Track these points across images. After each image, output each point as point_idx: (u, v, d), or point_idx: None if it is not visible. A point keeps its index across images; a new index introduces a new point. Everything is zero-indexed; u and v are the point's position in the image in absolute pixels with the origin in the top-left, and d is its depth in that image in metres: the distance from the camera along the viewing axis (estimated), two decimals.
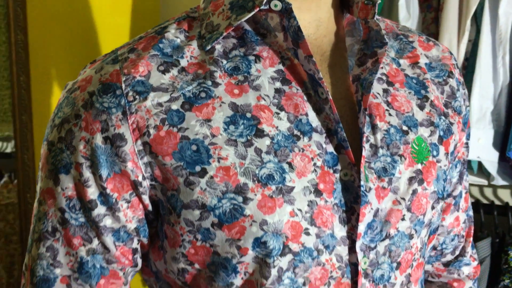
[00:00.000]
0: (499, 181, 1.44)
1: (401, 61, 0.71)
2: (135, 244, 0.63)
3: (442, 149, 0.69)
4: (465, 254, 0.84)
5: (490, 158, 1.42)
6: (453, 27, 1.42)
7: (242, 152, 0.59)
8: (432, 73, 0.72)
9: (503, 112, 1.43)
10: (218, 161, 0.58)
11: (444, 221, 0.80)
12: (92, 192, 0.60)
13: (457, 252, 0.84)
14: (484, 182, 1.50)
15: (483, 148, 1.40)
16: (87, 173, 0.59)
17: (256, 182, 0.58)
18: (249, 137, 0.59)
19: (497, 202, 1.61)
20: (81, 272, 0.62)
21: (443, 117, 0.70)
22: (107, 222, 0.61)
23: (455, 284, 0.84)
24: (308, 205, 0.59)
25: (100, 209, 0.60)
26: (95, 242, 0.61)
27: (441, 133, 0.69)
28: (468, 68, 1.45)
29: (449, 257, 0.84)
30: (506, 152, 1.39)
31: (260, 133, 0.60)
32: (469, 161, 1.47)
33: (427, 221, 0.67)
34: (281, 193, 0.59)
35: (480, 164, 1.49)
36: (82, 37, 1.71)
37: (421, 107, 0.68)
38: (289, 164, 0.59)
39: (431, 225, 0.69)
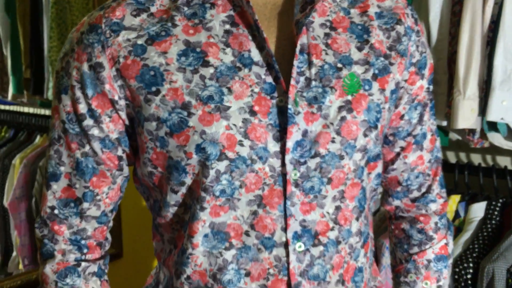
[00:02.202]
0: None
1: (352, 10, 0.81)
2: (120, 152, 0.79)
3: (376, 85, 0.79)
4: (431, 191, 0.94)
5: None
6: None
7: (189, 77, 0.73)
8: (381, 20, 0.82)
9: None
10: (169, 84, 0.73)
11: (407, 158, 0.90)
12: (82, 108, 0.76)
13: (423, 190, 0.93)
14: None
15: (507, 110, 1.42)
16: (79, 93, 0.76)
17: (199, 100, 0.72)
18: (196, 66, 0.73)
19: None
20: (78, 170, 0.78)
21: (381, 58, 0.80)
22: (95, 132, 0.77)
23: (421, 218, 0.95)
24: (243, 122, 0.72)
25: (89, 121, 0.76)
26: (87, 147, 0.77)
27: (376, 71, 0.79)
28: (495, 30, 1.46)
29: (415, 194, 0.94)
30: None
31: (206, 64, 0.73)
32: (495, 123, 1.48)
33: (360, 146, 0.77)
34: (218, 111, 0.72)
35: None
36: None
37: (360, 49, 0.79)
38: (228, 88, 0.73)
39: (367, 151, 0.78)
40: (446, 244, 0.96)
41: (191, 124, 0.71)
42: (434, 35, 1.56)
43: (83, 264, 0.81)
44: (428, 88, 0.88)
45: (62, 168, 0.78)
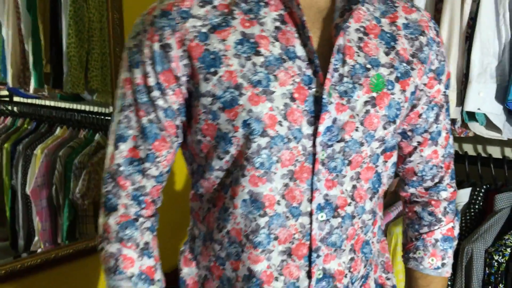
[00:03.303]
0: (508, 134, 1.51)
1: (383, 19, 0.91)
2: (178, 122, 0.89)
3: (397, 86, 0.89)
4: (443, 182, 1.04)
5: (493, 111, 1.48)
6: None
7: (242, 63, 0.82)
8: (407, 30, 0.93)
9: (507, 67, 1.47)
10: (226, 67, 0.82)
11: (423, 152, 1.01)
12: (151, 81, 0.86)
13: (436, 180, 1.03)
14: (497, 135, 1.55)
15: (484, 101, 1.46)
16: (149, 68, 0.85)
17: (249, 83, 0.82)
18: (249, 54, 0.83)
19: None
20: (143, 134, 0.88)
21: (404, 63, 0.90)
22: (160, 102, 0.87)
23: (433, 202, 1.05)
24: (284, 106, 0.82)
25: (156, 93, 0.86)
26: (153, 115, 0.87)
27: (399, 75, 0.89)
28: (473, 27, 1.50)
29: (429, 183, 1.04)
30: (505, 103, 1.45)
31: (257, 53, 0.83)
32: (474, 114, 1.53)
33: (378, 136, 0.88)
34: (265, 94, 0.82)
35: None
36: None
37: (387, 54, 0.89)
38: (275, 76, 0.82)
39: (385, 142, 0.90)
40: (453, 227, 1.05)
41: (241, 102, 0.82)
42: None
43: (141, 219, 0.91)
44: (444, 92, 0.98)
45: (130, 132, 0.88)
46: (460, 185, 1.68)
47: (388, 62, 0.88)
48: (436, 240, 1.04)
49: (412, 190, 1.05)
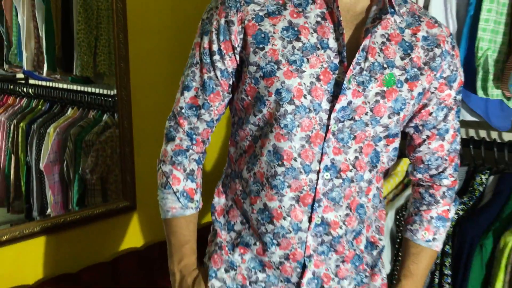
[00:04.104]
0: (466, 116, 1.62)
1: (406, 30, 1.06)
2: (230, 82, 1.09)
3: (405, 85, 1.04)
4: (445, 172, 1.19)
5: None
6: None
7: (285, 45, 1.00)
8: (425, 42, 1.07)
9: None
10: (272, 45, 1.01)
11: (430, 144, 1.15)
12: (215, 47, 1.06)
13: (440, 170, 1.18)
14: None
15: None
16: (214, 37, 1.05)
17: (286, 61, 1.00)
18: (291, 39, 1.00)
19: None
20: (203, 87, 1.09)
21: (415, 69, 1.05)
22: (219, 64, 1.06)
23: (434, 186, 1.20)
24: (310, 83, 0.99)
25: (217, 57, 1.06)
26: (212, 73, 1.07)
27: (408, 77, 1.04)
28: None
29: (433, 171, 1.19)
30: None
31: (298, 39, 1.00)
32: None
33: (383, 123, 1.04)
34: (297, 71, 0.99)
35: None
36: (172, 5, 2.07)
37: (402, 59, 1.04)
38: (307, 59, 1.00)
39: (389, 129, 1.05)
40: (448, 210, 1.20)
41: (278, 75, 1.00)
42: None
43: (190, 151, 1.12)
44: (455, 97, 1.13)
45: (193, 83, 1.09)
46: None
47: (401, 65, 1.04)
48: (431, 218, 1.19)
49: (419, 175, 1.21)
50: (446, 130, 1.14)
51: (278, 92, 1.00)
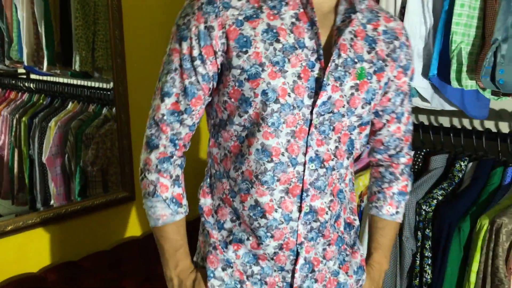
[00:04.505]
0: (438, 104, 1.70)
1: (368, 26, 1.13)
2: (211, 85, 1.10)
3: (374, 77, 1.11)
4: (402, 151, 1.29)
5: (421, 85, 1.66)
6: None
7: (266, 47, 1.03)
8: (385, 36, 1.14)
9: (432, 48, 1.65)
10: (254, 48, 1.03)
11: (389, 128, 1.24)
12: (195, 52, 1.07)
13: (397, 149, 1.28)
14: (427, 105, 1.73)
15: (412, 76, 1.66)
16: (194, 42, 1.06)
17: (270, 63, 1.03)
18: (272, 41, 1.04)
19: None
20: (185, 92, 1.09)
21: (380, 61, 1.12)
22: (200, 69, 1.07)
23: (393, 165, 1.30)
24: (293, 82, 1.04)
25: (198, 62, 1.07)
26: (193, 78, 1.08)
27: (376, 69, 1.11)
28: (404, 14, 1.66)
29: (392, 152, 1.29)
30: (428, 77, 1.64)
31: (277, 41, 1.04)
32: None
33: (357, 113, 1.10)
34: (280, 72, 1.03)
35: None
36: (167, 2, 2.12)
37: (369, 52, 1.11)
38: (288, 59, 1.04)
39: (362, 118, 1.12)
40: (407, 185, 1.31)
41: (263, 76, 1.03)
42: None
43: (174, 157, 1.13)
44: (409, 83, 1.22)
45: (173, 89, 1.09)
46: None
47: (369, 58, 1.10)
48: (393, 193, 1.29)
49: (379, 156, 1.30)
50: (402, 113, 1.23)
51: (264, 92, 1.04)
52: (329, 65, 1.05)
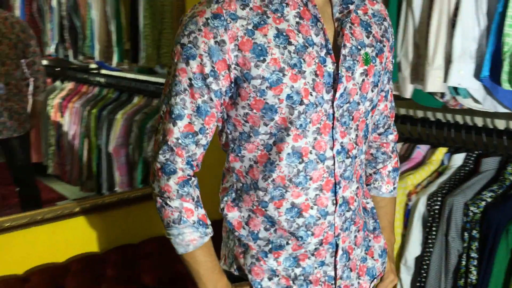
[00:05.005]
0: (491, 106, 1.68)
1: (359, 11, 1.14)
2: (222, 100, 1.08)
3: (377, 60, 1.14)
4: (390, 128, 1.33)
5: (472, 86, 1.66)
6: None
7: (282, 52, 1.03)
8: (375, 18, 1.16)
9: (485, 50, 1.63)
10: (271, 55, 1.02)
11: (379, 106, 1.27)
12: (207, 69, 1.04)
13: (386, 127, 1.32)
14: (480, 107, 1.72)
15: (463, 78, 1.64)
16: (206, 59, 1.03)
17: (289, 66, 1.03)
18: (285, 44, 1.03)
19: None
20: (198, 111, 1.06)
21: (378, 43, 1.14)
22: (213, 86, 1.05)
23: (384, 144, 1.32)
24: (312, 81, 1.04)
25: (211, 79, 1.04)
26: (206, 96, 1.05)
27: (377, 52, 1.14)
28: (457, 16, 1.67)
29: (381, 130, 1.32)
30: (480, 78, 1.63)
31: (290, 43, 1.04)
32: (456, 88, 1.72)
33: (369, 97, 1.12)
34: (300, 73, 1.03)
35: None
36: None
37: (367, 37, 1.13)
38: (304, 59, 1.04)
39: (372, 101, 1.14)
40: (397, 161, 1.35)
41: (285, 81, 1.03)
42: (416, 19, 1.80)
43: (192, 178, 1.10)
44: (392, 61, 1.24)
45: (185, 111, 1.05)
46: (457, 151, 1.88)
47: (369, 43, 1.12)
48: (389, 172, 1.33)
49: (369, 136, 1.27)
50: (387, 91, 1.27)
51: (289, 97, 1.03)
52: (340, 57, 1.06)
